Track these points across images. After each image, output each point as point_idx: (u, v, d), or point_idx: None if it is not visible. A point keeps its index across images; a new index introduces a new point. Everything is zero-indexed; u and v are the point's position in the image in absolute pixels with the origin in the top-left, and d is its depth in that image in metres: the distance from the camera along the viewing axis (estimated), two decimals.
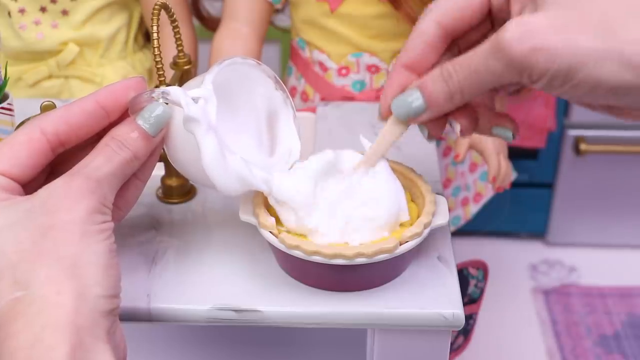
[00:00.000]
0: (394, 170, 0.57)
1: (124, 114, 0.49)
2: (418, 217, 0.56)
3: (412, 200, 0.59)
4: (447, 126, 0.52)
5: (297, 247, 0.52)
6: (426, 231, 0.54)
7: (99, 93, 0.48)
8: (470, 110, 0.51)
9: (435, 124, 0.51)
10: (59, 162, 0.49)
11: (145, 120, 0.48)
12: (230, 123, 0.56)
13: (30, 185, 0.47)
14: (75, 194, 0.44)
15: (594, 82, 0.42)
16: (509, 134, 0.51)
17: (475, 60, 0.45)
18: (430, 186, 0.58)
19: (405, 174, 0.59)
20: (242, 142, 0.56)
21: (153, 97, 0.49)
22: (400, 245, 0.53)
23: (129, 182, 0.50)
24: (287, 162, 0.57)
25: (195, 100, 0.50)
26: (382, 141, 0.53)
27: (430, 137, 0.52)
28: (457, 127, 0.50)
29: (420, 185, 0.58)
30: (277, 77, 0.58)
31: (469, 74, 0.46)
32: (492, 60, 0.44)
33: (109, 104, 0.48)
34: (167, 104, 0.49)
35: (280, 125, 0.58)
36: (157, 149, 0.51)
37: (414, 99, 0.48)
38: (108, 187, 0.46)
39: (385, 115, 0.52)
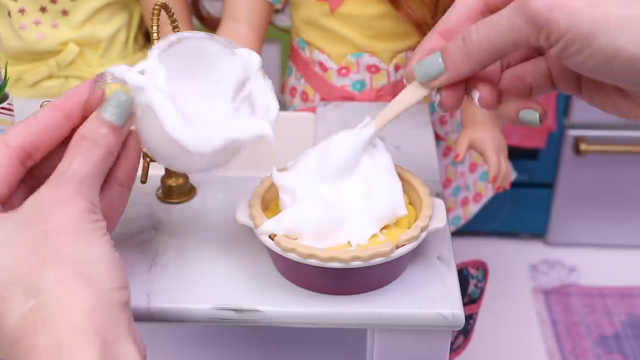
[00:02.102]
0: None
1: (85, 116, 0.49)
2: (415, 220, 0.56)
3: (410, 204, 0.59)
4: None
5: (292, 250, 0.52)
6: (423, 234, 0.54)
7: (58, 100, 0.48)
8: (491, 82, 0.50)
9: (451, 92, 0.50)
10: (31, 167, 0.48)
11: (109, 112, 0.48)
12: (197, 96, 0.55)
13: (9, 199, 0.47)
14: (64, 198, 0.44)
15: (612, 50, 0.42)
16: (536, 116, 0.50)
17: (498, 18, 0.45)
18: (428, 189, 0.58)
19: (403, 177, 0.59)
20: (216, 108, 0.55)
21: (101, 83, 0.49)
22: (397, 248, 0.53)
23: (113, 191, 0.50)
24: (268, 119, 0.55)
25: (142, 73, 0.50)
26: (399, 102, 0.53)
27: (443, 107, 0.51)
28: (476, 95, 0.50)
29: (418, 189, 0.58)
30: (232, 43, 0.56)
31: (489, 32, 0.45)
32: (514, 16, 0.44)
33: (69, 109, 0.48)
34: (130, 98, 0.49)
35: (252, 86, 0.56)
36: (136, 149, 0.51)
37: (434, 61, 0.49)
38: (92, 186, 0.46)
39: (409, 78, 0.52)
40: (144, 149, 0.54)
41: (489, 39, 0.46)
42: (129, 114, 0.49)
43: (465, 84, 0.51)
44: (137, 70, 0.50)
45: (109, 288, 0.42)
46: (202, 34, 0.55)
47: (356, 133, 0.56)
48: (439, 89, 0.51)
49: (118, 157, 0.50)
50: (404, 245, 0.53)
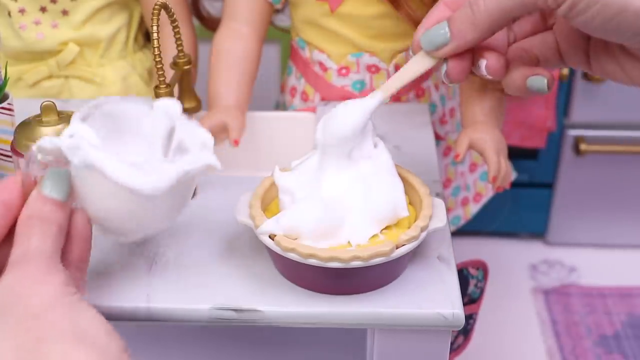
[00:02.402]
0: None
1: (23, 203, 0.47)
2: (415, 219, 0.56)
3: (410, 204, 0.59)
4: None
5: (292, 250, 0.52)
6: (423, 234, 0.54)
7: None
8: (497, 52, 0.50)
9: (458, 62, 0.50)
10: None
11: (49, 188, 0.47)
12: (129, 157, 0.54)
13: None
14: (40, 276, 0.42)
15: (620, 5, 0.42)
16: (544, 83, 0.50)
17: None
18: (428, 189, 0.58)
19: (403, 177, 0.59)
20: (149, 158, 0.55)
21: (32, 164, 0.48)
22: (397, 248, 0.53)
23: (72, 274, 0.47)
24: (208, 150, 0.55)
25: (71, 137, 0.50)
26: (405, 71, 0.53)
27: (449, 77, 0.51)
28: (483, 64, 0.50)
29: (418, 189, 0.58)
30: (148, 99, 0.57)
31: None
32: None
33: (9, 199, 0.47)
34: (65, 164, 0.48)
35: (180, 133, 0.56)
36: (85, 228, 0.49)
37: (441, 30, 0.49)
38: (59, 262, 0.44)
39: (415, 49, 0.52)
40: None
41: (497, 3, 0.45)
42: (69, 186, 0.48)
43: (472, 55, 0.50)
44: (68, 136, 0.49)
45: (115, 351, 0.41)
46: (115, 98, 0.55)
47: (361, 102, 0.55)
48: (445, 60, 0.50)
49: (69, 240, 0.48)
50: (404, 245, 0.53)
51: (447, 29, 0.48)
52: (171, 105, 0.55)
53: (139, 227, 0.54)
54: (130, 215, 0.52)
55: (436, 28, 0.49)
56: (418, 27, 0.51)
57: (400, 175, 0.58)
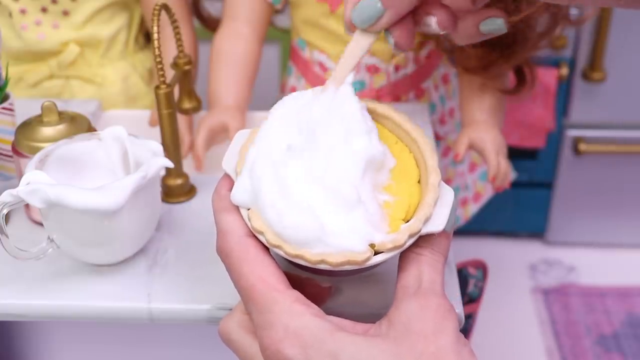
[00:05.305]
0: (404, 135, 0.49)
1: None
2: (417, 207, 0.47)
3: (419, 182, 0.49)
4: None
5: (261, 234, 0.45)
6: (410, 241, 0.45)
7: None
8: (442, 5, 0.46)
9: (401, 29, 0.46)
10: None
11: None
12: (94, 183, 0.58)
13: None
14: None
15: None
16: (500, 23, 0.46)
17: None
18: (440, 177, 0.48)
19: (421, 153, 0.49)
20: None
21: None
22: (375, 255, 0.45)
23: None
24: (159, 157, 0.59)
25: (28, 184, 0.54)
26: (350, 55, 0.48)
27: (399, 47, 0.46)
28: (433, 21, 0.45)
29: (429, 173, 0.48)
30: (93, 133, 0.62)
31: None
32: None
33: None
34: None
35: (132, 152, 0.60)
36: None
37: (371, 3, 0.44)
38: None
39: (350, 28, 0.47)
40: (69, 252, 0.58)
41: None
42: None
43: (412, 16, 0.46)
44: (24, 184, 0.54)
45: None
46: (62, 140, 0.60)
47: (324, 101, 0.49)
48: (387, 30, 0.46)
49: None
50: (382, 252, 0.45)
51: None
52: (117, 131, 0.60)
53: (111, 246, 0.58)
54: (106, 236, 0.57)
55: (365, 1, 0.44)
56: (344, 4, 0.46)
57: (418, 150, 0.49)
